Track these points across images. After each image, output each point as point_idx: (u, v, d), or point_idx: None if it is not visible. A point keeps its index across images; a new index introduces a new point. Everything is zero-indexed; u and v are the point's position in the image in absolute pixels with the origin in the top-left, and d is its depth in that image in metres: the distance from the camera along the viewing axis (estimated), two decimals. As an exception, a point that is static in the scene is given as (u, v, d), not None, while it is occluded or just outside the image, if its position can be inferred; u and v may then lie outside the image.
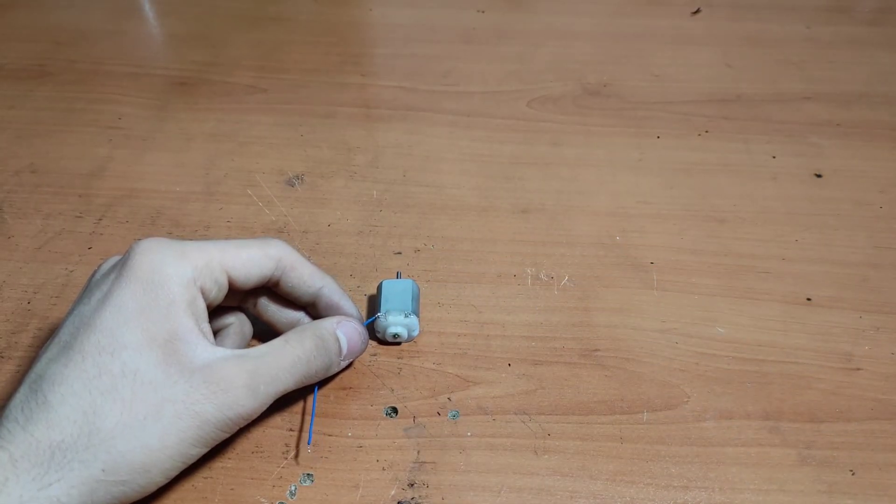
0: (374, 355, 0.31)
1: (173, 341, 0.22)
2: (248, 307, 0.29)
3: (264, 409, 0.23)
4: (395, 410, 0.29)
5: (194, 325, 0.23)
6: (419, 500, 0.26)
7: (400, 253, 0.36)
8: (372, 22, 0.55)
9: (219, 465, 0.27)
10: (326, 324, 0.26)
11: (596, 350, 0.31)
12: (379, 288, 0.31)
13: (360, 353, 0.28)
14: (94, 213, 0.37)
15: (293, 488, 0.26)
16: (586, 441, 0.28)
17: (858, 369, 0.30)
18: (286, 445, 0.27)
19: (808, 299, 0.33)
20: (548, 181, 0.40)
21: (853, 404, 0.29)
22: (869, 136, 0.43)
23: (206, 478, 0.26)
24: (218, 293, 0.25)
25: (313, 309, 0.28)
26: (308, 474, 0.27)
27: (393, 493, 0.26)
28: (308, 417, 0.28)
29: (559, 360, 0.31)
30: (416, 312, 0.30)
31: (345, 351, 0.27)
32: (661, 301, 0.33)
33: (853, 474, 0.27)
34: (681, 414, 0.29)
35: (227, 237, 0.33)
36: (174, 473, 0.22)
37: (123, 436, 0.20)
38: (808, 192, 0.39)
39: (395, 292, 0.30)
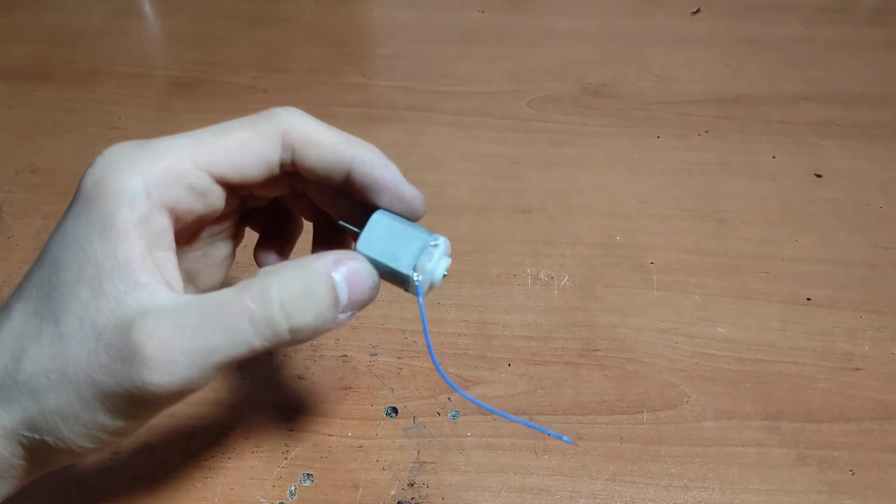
0: (374, 355, 0.31)
1: (100, 278, 0.17)
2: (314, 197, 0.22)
3: (203, 383, 0.17)
4: (395, 410, 0.29)
5: (134, 255, 0.17)
6: (419, 500, 0.26)
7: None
8: (372, 22, 0.55)
9: (218, 464, 0.27)
10: (316, 263, 0.18)
11: (596, 350, 0.31)
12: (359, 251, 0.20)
13: (370, 301, 0.19)
14: (95, 213, 0.37)
15: (293, 488, 0.26)
16: (586, 441, 0.28)
17: (858, 369, 0.30)
18: (286, 445, 0.27)
19: (808, 299, 0.33)
20: (548, 181, 0.40)
21: (853, 404, 0.29)
22: (869, 136, 0.43)
23: (205, 478, 0.26)
24: (203, 202, 0.19)
25: (357, 195, 0.20)
26: (308, 474, 0.27)
27: (393, 493, 0.26)
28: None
29: (559, 360, 0.31)
30: (427, 231, 0.20)
31: (344, 300, 0.18)
32: (660, 301, 0.33)
33: (853, 474, 0.27)
34: (680, 414, 0.29)
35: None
36: (107, 440, 0.18)
37: (35, 393, 0.17)
38: (808, 192, 0.39)
39: (385, 236, 0.20)
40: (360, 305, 0.19)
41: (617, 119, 0.44)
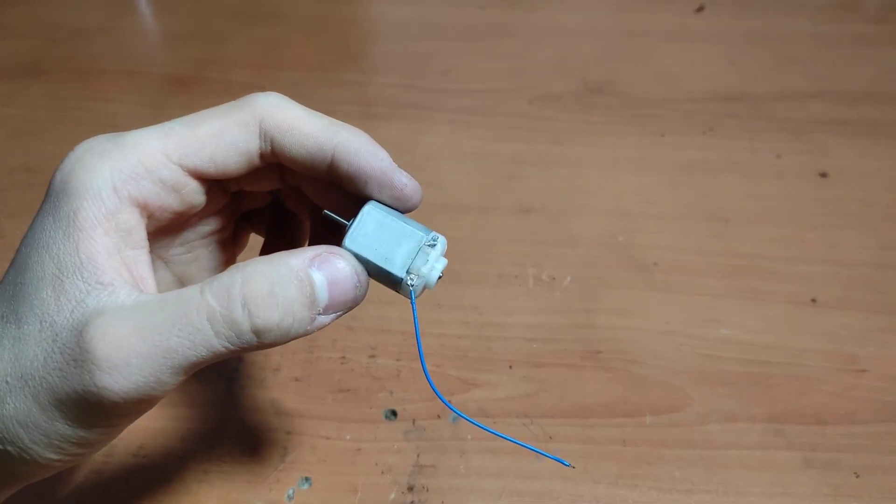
0: (373, 357, 0.30)
1: (62, 276, 0.16)
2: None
3: (164, 389, 0.16)
4: (394, 413, 0.28)
5: (98, 252, 0.16)
6: (419, 505, 0.25)
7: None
8: (371, 18, 0.54)
9: (215, 468, 0.26)
10: (290, 258, 0.17)
11: (598, 352, 0.31)
12: (348, 249, 0.18)
13: (354, 305, 0.18)
14: (90, 213, 0.37)
15: (290, 492, 0.26)
16: (588, 444, 0.27)
17: (864, 371, 0.30)
18: (283, 448, 0.27)
19: (814, 300, 0.33)
20: (549, 180, 0.39)
21: (859, 406, 0.29)
22: (875, 135, 0.43)
23: (200, 481, 0.26)
24: (177, 197, 0.18)
25: (344, 186, 0.19)
26: (306, 478, 0.26)
27: (392, 496, 0.26)
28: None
29: (561, 362, 0.30)
30: (424, 228, 0.18)
31: (323, 301, 0.17)
32: (664, 302, 0.33)
33: (858, 477, 0.27)
34: (684, 417, 0.28)
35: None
36: (73, 452, 0.17)
37: None
38: (814, 191, 0.39)
39: (377, 232, 0.18)
40: (343, 307, 0.17)
41: (620, 117, 0.44)
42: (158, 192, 0.17)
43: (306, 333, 0.17)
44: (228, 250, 0.22)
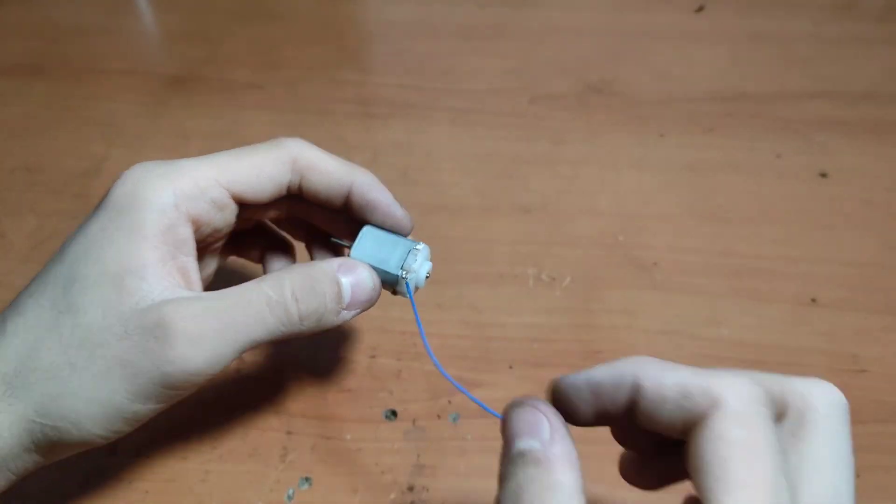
0: (373, 357, 0.30)
1: (124, 275, 0.19)
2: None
3: (225, 363, 0.19)
4: (394, 413, 0.28)
5: (158, 258, 0.20)
6: (419, 505, 0.25)
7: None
8: (371, 17, 0.54)
9: (215, 468, 0.27)
10: (324, 264, 0.21)
11: (599, 352, 0.31)
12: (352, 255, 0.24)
13: (370, 305, 0.22)
14: (90, 212, 0.37)
15: (290, 492, 0.26)
16: (589, 444, 0.27)
17: (864, 371, 0.30)
18: (284, 448, 0.27)
19: (814, 300, 0.33)
20: (549, 180, 0.39)
21: (859, 406, 0.29)
22: (876, 135, 0.43)
23: (202, 481, 0.26)
24: (221, 215, 0.22)
25: (354, 214, 0.24)
26: (306, 478, 0.26)
27: (392, 497, 0.26)
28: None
29: (561, 362, 0.30)
30: (410, 240, 0.24)
31: (347, 298, 0.21)
32: (664, 302, 0.33)
33: (858, 477, 0.26)
34: (684, 417, 0.28)
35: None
36: (117, 429, 0.19)
37: (55, 379, 0.18)
38: (814, 191, 0.39)
39: (374, 245, 0.23)
40: (362, 306, 0.22)
41: (620, 117, 0.44)
42: (209, 210, 0.21)
43: (334, 325, 0.21)
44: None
